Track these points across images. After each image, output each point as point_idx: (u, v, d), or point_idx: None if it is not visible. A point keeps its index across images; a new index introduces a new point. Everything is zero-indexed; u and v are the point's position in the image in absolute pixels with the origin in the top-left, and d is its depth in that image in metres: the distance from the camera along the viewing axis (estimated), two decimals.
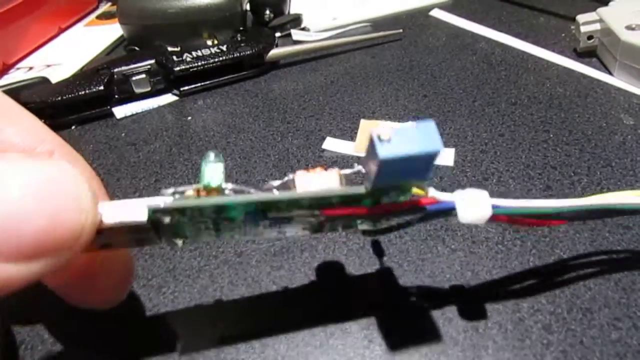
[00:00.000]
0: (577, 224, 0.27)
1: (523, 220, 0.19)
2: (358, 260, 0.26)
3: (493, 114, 0.37)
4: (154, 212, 0.17)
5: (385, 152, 0.15)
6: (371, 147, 0.15)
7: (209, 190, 0.17)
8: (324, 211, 0.17)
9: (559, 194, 0.29)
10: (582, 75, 0.40)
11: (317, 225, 0.18)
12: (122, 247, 0.19)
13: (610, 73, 0.40)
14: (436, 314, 0.23)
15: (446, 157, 0.32)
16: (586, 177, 0.30)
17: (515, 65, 0.43)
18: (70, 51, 0.51)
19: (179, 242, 0.18)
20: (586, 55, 0.43)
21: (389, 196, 0.18)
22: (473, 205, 0.18)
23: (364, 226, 0.19)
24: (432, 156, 0.15)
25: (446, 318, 0.23)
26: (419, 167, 0.16)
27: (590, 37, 0.42)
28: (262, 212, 0.17)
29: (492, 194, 0.29)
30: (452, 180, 0.31)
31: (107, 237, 0.17)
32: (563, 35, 0.47)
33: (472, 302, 0.23)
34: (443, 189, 0.30)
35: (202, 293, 0.25)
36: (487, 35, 0.48)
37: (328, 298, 0.24)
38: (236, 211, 0.17)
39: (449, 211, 0.18)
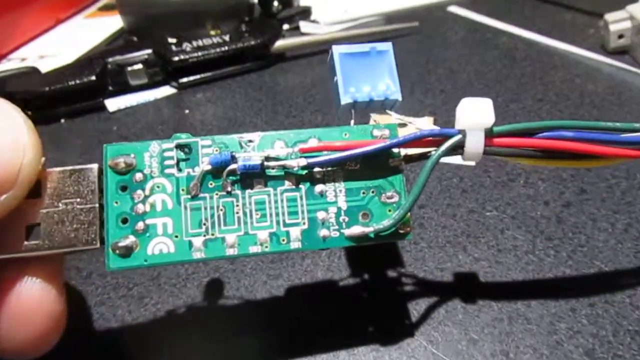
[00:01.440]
0: (619, 233, 0.24)
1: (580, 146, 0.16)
2: (366, 270, 0.23)
3: (518, 110, 0.33)
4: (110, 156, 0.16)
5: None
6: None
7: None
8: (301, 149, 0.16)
9: (596, 199, 0.25)
10: (614, 72, 0.37)
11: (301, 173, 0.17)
12: (52, 250, 0.15)
13: None
14: (458, 335, 0.20)
15: None
16: (625, 181, 0.27)
17: (540, 61, 0.40)
18: (67, 42, 0.48)
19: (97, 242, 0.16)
20: (617, 52, 0.39)
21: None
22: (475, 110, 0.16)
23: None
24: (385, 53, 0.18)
25: (470, 340, 0.20)
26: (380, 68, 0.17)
27: (620, 36, 0.39)
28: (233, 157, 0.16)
29: (520, 197, 0.27)
30: (474, 180, 0.27)
31: (47, 206, 0.15)
32: (592, 31, 0.44)
33: (500, 321, 0.20)
34: (464, 190, 0.27)
35: (189, 304, 0.22)
36: (509, 31, 0.45)
37: (332, 313, 0.21)
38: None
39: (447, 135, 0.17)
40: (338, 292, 0.22)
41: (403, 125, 0.18)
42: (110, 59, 0.37)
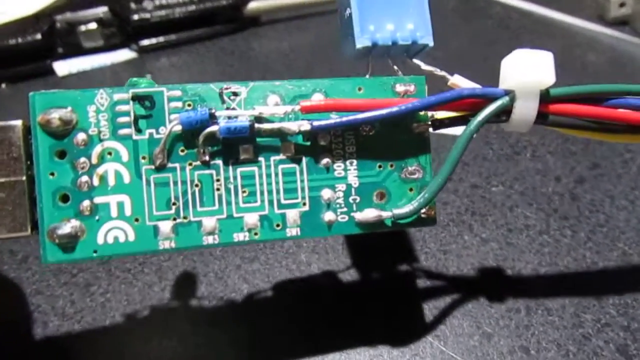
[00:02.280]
0: None
1: None
2: (358, 253, 0.21)
3: None
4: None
5: None
6: None
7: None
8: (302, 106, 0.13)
9: (612, 174, 0.23)
10: (615, 43, 0.35)
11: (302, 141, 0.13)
12: None
13: None
14: (469, 329, 0.18)
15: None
16: None
17: (537, 31, 0.38)
18: (12, 1, 0.43)
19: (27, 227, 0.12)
20: (617, 23, 0.37)
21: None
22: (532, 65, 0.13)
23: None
24: None
25: (483, 334, 0.18)
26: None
27: (622, 4, 0.36)
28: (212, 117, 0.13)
29: (528, 171, 0.24)
30: (475, 153, 0.25)
31: None
32: (588, 1, 0.41)
33: (516, 311, 0.18)
34: (465, 164, 0.24)
35: (145, 294, 0.19)
36: (501, 1, 0.43)
37: (318, 303, 0.19)
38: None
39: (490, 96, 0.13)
40: (325, 279, 0.20)
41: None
42: (59, 17, 0.33)
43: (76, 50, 0.34)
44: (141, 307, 0.19)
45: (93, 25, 0.34)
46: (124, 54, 0.35)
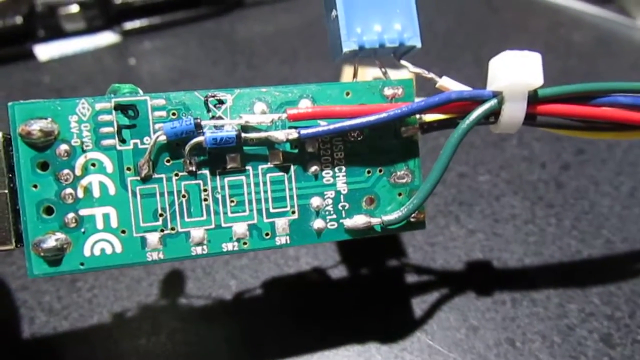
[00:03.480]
0: (625, 197, 0.21)
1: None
2: (345, 247, 0.20)
3: None
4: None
5: None
6: None
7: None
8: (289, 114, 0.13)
9: (596, 159, 0.23)
10: (600, 22, 0.35)
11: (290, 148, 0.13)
12: None
13: (634, 19, 0.34)
14: (456, 322, 0.18)
15: None
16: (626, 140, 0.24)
17: (521, 9, 0.37)
18: None
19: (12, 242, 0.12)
20: (602, 0, 0.37)
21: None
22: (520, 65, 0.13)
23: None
24: None
25: (470, 327, 0.18)
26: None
27: None
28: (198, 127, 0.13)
29: (514, 158, 0.24)
30: (463, 140, 0.24)
31: None
32: None
33: (502, 303, 0.18)
34: None
35: (133, 290, 0.19)
36: None
37: (305, 299, 0.19)
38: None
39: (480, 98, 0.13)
40: (312, 274, 0.20)
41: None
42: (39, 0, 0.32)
43: (57, 33, 0.33)
44: (129, 303, 0.19)
45: (75, 8, 0.33)
46: (107, 37, 0.34)
